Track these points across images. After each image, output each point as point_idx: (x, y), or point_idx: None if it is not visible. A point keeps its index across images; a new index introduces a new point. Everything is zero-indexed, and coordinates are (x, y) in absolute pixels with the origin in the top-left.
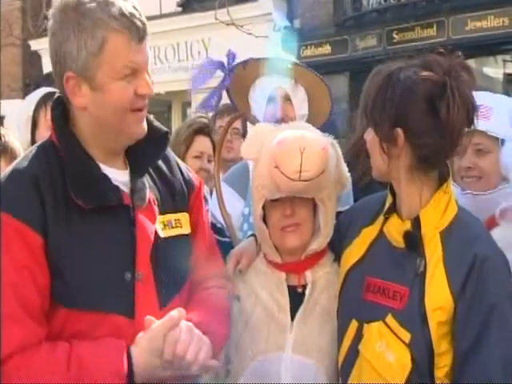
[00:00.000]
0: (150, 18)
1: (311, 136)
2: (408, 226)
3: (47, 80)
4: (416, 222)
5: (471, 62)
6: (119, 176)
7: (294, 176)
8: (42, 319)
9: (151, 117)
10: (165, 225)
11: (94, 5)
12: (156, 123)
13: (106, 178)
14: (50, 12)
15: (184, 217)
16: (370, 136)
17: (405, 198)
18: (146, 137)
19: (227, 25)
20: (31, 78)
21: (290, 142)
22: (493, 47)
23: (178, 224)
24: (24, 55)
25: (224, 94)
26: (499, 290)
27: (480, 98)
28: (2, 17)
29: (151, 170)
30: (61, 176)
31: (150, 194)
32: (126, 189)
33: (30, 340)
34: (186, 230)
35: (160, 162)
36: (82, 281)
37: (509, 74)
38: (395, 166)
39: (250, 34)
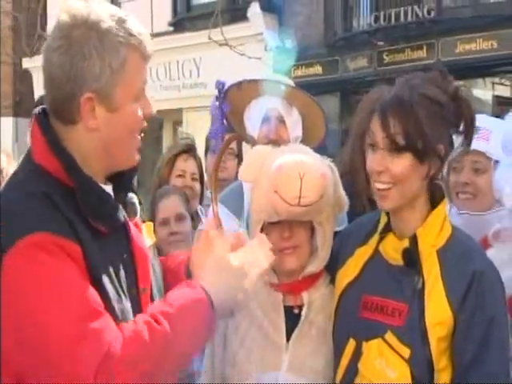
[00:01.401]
0: None
1: (310, 161)
2: (406, 243)
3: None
4: (413, 239)
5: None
6: (109, 191)
7: (293, 201)
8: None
9: None
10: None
11: (112, 23)
12: None
13: (110, 196)
14: (54, 28)
15: (148, 227)
16: (404, 163)
17: (405, 217)
18: None
19: (220, 45)
20: (21, 96)
21: (289, 168)
22: (482, 70)
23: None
24: (14, 73)
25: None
26: (497, 303)
27: (480, 120)
28: None
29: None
30: (65, 200)
31: None
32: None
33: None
34: (149, 240)
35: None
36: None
37: (498, 97)
38: (422, 187)
39: (242, 54)
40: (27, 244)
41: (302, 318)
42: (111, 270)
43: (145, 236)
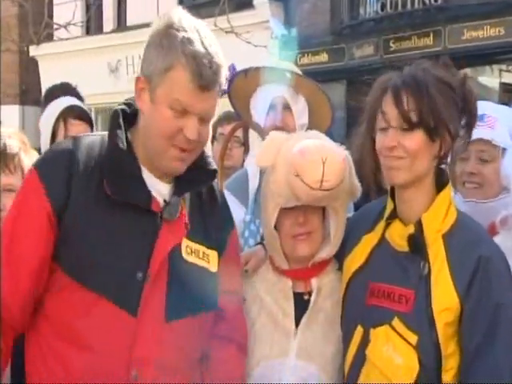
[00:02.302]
0: (147, 26)
1: (331, 146)
2: (411, 229)
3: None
4: (419, 225)
5: (467, 72)
6: (160, 187)
7: (315, 185)
8: (31, 274)
9: (208, 152)
10: (192, 251)
11: (179, 34)
12: (210, 159)
13: (140, 179)
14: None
15: (213, 254)
16: (417, 140)
17: (408, 202)
18: (197, 165)
19: (226, 32)
20: (27, 85)
21: (312, 152)
22: (489, 57)
23: (206, 259)
24: (20, 61)
25: (226, 101)
26: (504, 289)
27: (485, 107)
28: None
29: (195, 199)
30: (100, 165)
31: (184, 216)
32: (160, 199)
33: (12, 294)
34: (212, 267)
35: (205, 197)
36: (92, 260)
37: (505, 84)
38: (430, 168)
39: (248, 42)
40: (29, 171)
41: (311, 304)
42: (102, 237)
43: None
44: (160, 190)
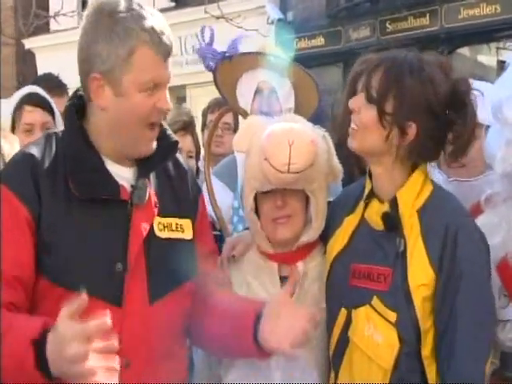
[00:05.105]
0: None
1: (300, 129)
2: (386, 207)
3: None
4: (394, 202)
5: (465, 51)
6: (124, 173)
7: (282, 168)
8: (13, 284)
9: (165, 124)
10: (164, 226)
11: (128, 14)
12: (169, 131)
13: (105, 171)
14: (86, 11)
15: (187, 223)
16: (368, 115)
17: (383, 180)
18: (157, 142)
19: (217, 18)
20: (24, 77)
21: (278, 135)
22: (486, 35)
23: (180, 229)
24: (17, 54)
25: (214, 88)
26: (473, 259)
27: None
28: None
29: (161, 174)
30: (64, 164)
31: (152, 195)
32: (127, 185)
33: None
34: (187, 235)
35: (171, 168)
36: (70, 262)
37: (502, 62)
38: (390, 149)
39: (240, 27)
40: None
41: (297, 287)
42: (76, 237)
43: None
44: (124, 175)
